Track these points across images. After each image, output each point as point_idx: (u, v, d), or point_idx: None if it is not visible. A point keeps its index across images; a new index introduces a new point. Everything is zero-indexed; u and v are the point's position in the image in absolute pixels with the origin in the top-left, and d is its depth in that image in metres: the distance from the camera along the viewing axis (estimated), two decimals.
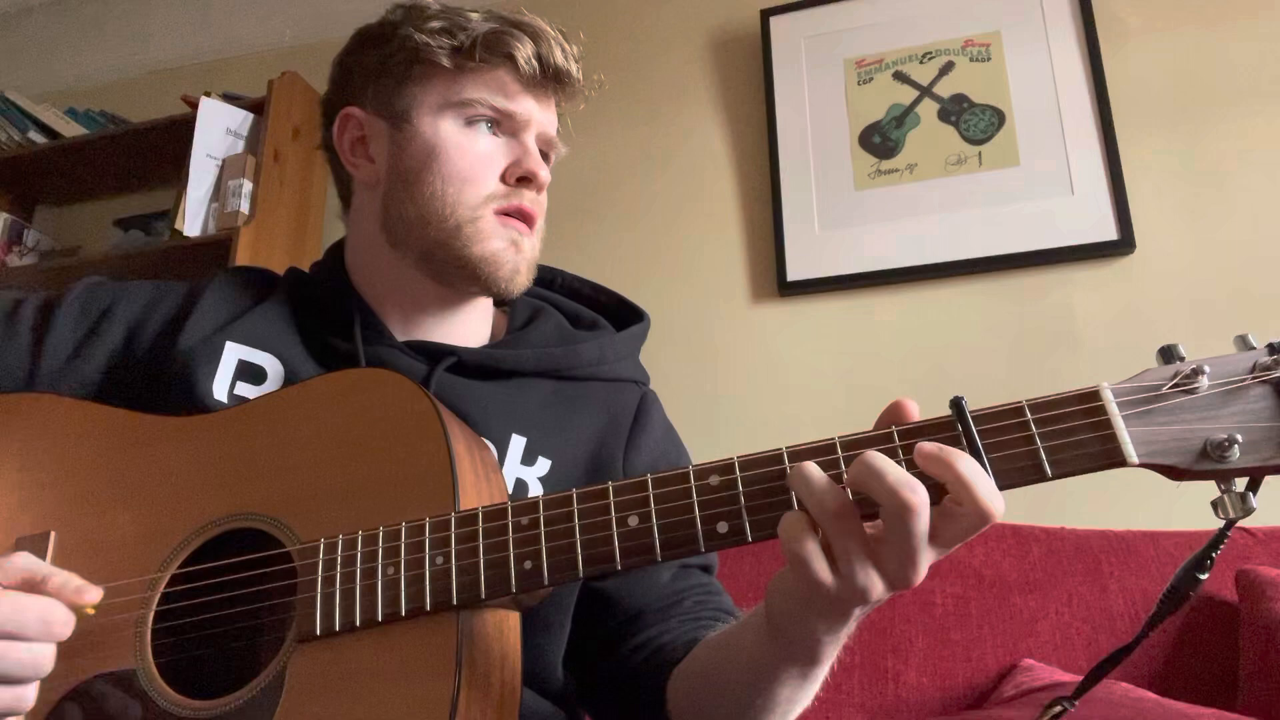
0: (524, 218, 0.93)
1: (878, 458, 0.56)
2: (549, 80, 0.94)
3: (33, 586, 0.68)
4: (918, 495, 0.55)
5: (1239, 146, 1.88)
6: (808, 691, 0.71)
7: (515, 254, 0.92)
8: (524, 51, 0.91)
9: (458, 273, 0.92)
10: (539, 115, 0.95)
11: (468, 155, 0.91)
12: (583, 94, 0.99)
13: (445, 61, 0.91)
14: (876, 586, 0.58)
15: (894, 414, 0.62)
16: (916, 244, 1.99)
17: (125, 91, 2.89)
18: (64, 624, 0.67)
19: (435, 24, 0.92)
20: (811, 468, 0.58)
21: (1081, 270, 1.89)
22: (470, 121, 0.92)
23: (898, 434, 0.60)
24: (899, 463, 0.59)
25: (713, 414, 2.02)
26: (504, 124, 0.93)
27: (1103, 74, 1.98)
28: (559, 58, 0.93)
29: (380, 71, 0.95)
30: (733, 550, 1.49)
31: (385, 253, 0.96)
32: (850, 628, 0.64)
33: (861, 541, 0.57)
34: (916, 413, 0.62)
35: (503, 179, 0.92)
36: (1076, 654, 1.30)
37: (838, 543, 0.57)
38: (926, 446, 0.57)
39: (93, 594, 0.70)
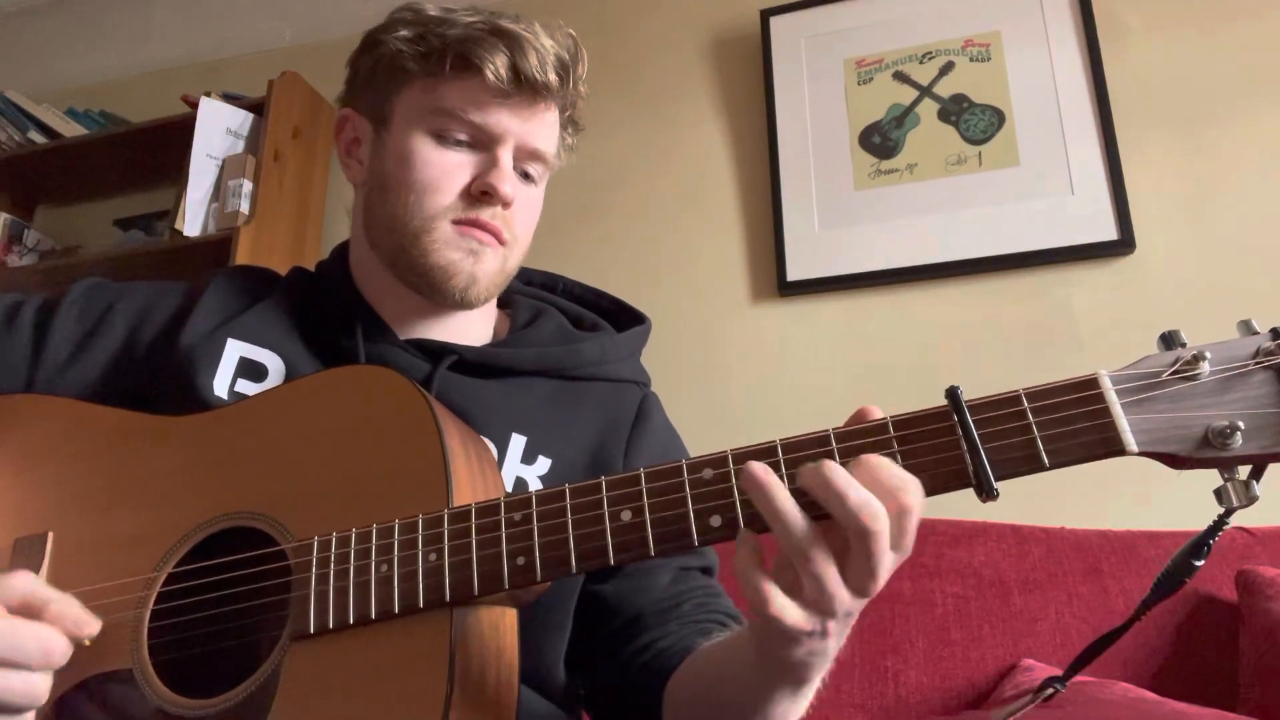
0: (485, 230, 0.91)
1: (839, 475, 0.55)
2: (525, 91, 0.89)
3: (32, 610, 0.67)
4: (879, 521, 0.54)
5: (1239, 146, 1.88)
6: (801, 705, 0.71)
7: (473, 264, 0.90)
8: (495, 63, 0.86)
9: (417, 281, 0.92)
10: (516, 127, 0.90)
11: (433, 166, 0.89)
12: (570, 103, 0.95)
13: (416, 70, 0.90)
14: (843, 601, 0.57)
15: (860, 421, 0.62)
16: (916, 244, 1.99)
17: (125, 91, 2.89)
18: (63, 654, 0.67)
19: (406, 32, 0.90)
20: (781, 495, 0.57)
21: (1081, 270, 1.89)
22: (441, 132, 0.90)
23: (892, 424, 0.60)
24: (894, 458, 0.59)
25: (712, 414, 2.01)
26: (477, 136, 0.90)
27: (1103, 74, 1.98)
28: (534, 68, 0.87)
29: (370, 76, 0.95)
30: (731, 551, 1.49)
31: (370, 253, 0.96)
32: (834, 645, 0.63)
33: (828, 565, 0.57)
34: (878, 416, 0.61)
35: (467, 192, 0.90)
36: (1076, 654, 1.29)
37: (807, 574, 0.57)
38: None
39: (92, 626, 0.69)
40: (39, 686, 0.66)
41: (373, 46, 0.94)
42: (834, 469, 0.55)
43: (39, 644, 0.65)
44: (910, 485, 0.56)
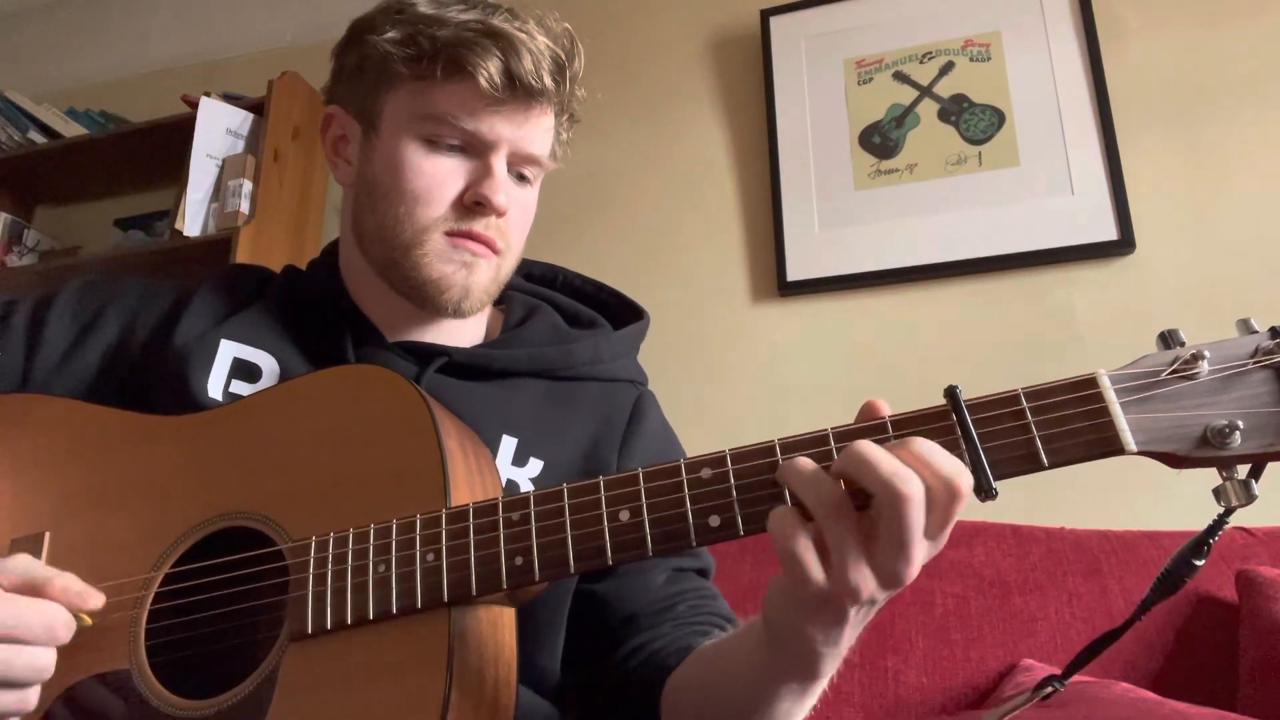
0: (478, 242, 0.89)
1: (869, 447, 0.55)
2: (519, 95, 0.85)
3: (34, 589, 0.68)
4: (912, 486, 0.54)
5: (1239, 146, 1.88)
6: (805, 705, 0.70)
7: (466, 276, 0.88)
8: (488, 67, 0.83)
9: (409, 292, 0.90)
10: (510, 133, 0.87)
11: (424, 175, 0.86)
12: (567, 106, 0.92)
13: (406, 73, 0.86)
14: (869, 583, 0.56)
15: (868, 414, 0.61)
16: (917, 244, 1.99)
17: (125, 91, 2.89)
18: (66, 628, 0.68)
19: (394, 33, 0.86)
20: (803, 460, 0.58)
21: (1081, 270, 1.89)
22: (432, 137, 0.87)
23: (891, 424, 0.60)
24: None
25: (711, 414, 2.01)
26: (469, 142, 0.87)
27: (1103, 74, 1.97)
28: (529, 72, 0.84)
29: (357, 74, 0.91)
30: (732, 554, 1.49)
31: (359, 257, 0.95)
32: (848, 638, 0.63)
33: (855, 534, 0.56)
34: (886, 411, 0.61)
35: (459, 202, 0.87)
36: (1076, 654, 1.29)
37: (831, 535, 0.56)
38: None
39: (95, 599, 0.70)
40: (44, 660, 0.66)
41: (359, 42, 0.91)
42: (865, 444, 0.56)
43: (41, 619, 0.66)
44: (960, 469, 0.55)
